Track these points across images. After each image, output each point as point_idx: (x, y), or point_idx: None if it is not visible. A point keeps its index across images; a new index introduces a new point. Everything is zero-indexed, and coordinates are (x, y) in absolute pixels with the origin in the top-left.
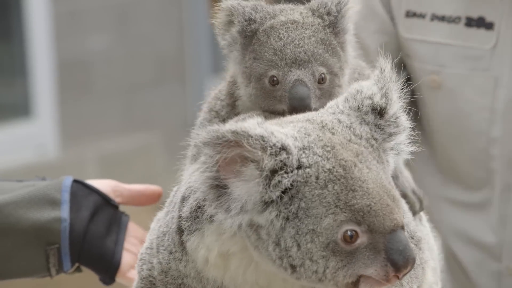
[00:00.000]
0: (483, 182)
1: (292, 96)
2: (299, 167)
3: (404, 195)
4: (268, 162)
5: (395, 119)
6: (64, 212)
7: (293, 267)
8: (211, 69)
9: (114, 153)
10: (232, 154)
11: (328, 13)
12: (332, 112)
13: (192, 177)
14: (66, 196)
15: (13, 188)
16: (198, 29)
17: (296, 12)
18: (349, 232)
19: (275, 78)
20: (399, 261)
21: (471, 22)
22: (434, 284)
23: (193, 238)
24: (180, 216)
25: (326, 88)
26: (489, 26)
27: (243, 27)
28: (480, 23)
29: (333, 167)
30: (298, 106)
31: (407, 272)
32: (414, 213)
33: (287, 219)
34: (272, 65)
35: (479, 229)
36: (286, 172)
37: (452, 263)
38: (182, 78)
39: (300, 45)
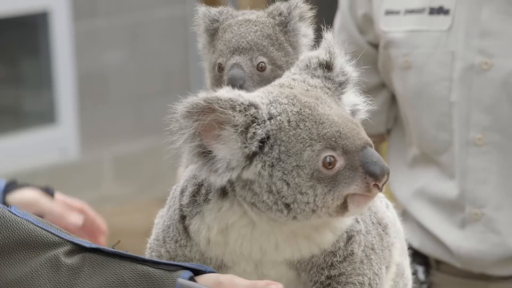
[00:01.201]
0: (447, 144)
1: (228, 77)
2: (270, 118)
3: None
4: (240, 118)
5: (341, 70)
6: None
7: (287, 206)
8: None
9: (127, 154)
10: (208, 119)
11: (280, 14)
12: (286, 76)
13: (187, 172)
14: None
15: None
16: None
17: (253, 14)
18: (328, 158)
19: (221, 65)
20: (376, 170)
21: (433, 11)
22: (404, 261)
23: (195, 221)
24: (181, 205)
25: (267, 77)
26: (446, 12)
27: (207, 25)
28: (439, 11)
29: (300, 109)
30: (233, 86)
31: (385, 181)
32: None
33: (272, 165)
34: (220, 54)
35: (444, 187)
36: (258, 124)
37: (413, 225)
38: (187, 89)
39: (245, 36)
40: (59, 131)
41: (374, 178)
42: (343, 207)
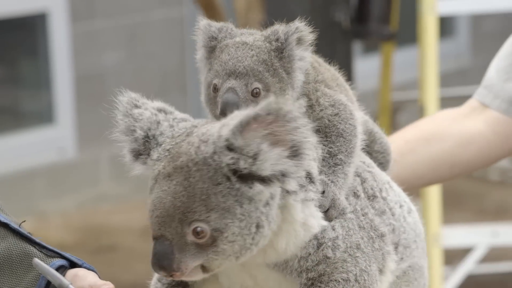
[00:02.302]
0: None
1: (222, 101)
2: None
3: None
4: None
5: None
6: None
7: None
8: None
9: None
10: None
11: (276, 40)
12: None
13: None
14: None
15: None
16: (196, 47)
17: (251, 36)
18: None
19: (216, 86)
20: (151, 263)
21: None
22: (424, 262)
23: None
24: None
25: (260, 102)
26: None
27: (205, 42)
28: None
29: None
30: (226, 110)
31: (170, 275)
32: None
33: None
34: (216, 75)
35: None
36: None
37: None
38: (183, 89)
39: (242, 61)
40: (57, 130)
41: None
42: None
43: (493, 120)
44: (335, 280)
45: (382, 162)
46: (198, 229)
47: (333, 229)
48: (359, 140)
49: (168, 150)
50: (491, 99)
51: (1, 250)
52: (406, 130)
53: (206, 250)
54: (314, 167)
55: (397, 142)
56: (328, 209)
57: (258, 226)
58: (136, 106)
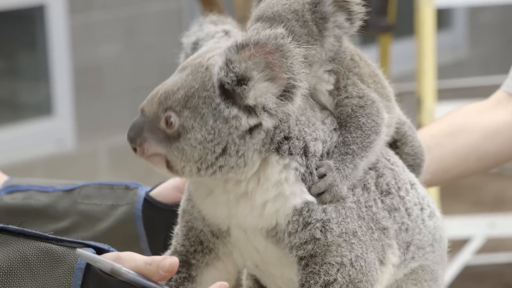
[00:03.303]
0: None
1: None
2: None
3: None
4: None
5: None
6: (143, 244)
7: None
8: None
9: (122, 145)
10: None
11: None
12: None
13: None
14: (141, 229)
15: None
16: None
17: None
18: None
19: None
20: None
21: None
22: (440, 270)
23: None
24: None
25: None
26: None
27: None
28: None
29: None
30: None
31: (134, 147)
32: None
33: None
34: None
35: None
36: None
37: None
38: None
39: (272, 7)
40: (56, 122)
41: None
42: None
43: None
44: (329, 263)
45: (412, 165)
46: (170, 119)
47: (324, 212)
48: (380, 139)
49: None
50: None
51: (11, 255)
52: (431, 125)
53: (171, 143)
54: (316, 145)
55: (422, 137)
56: (323, 192)
57: (224, 150)
58: (213, 23)
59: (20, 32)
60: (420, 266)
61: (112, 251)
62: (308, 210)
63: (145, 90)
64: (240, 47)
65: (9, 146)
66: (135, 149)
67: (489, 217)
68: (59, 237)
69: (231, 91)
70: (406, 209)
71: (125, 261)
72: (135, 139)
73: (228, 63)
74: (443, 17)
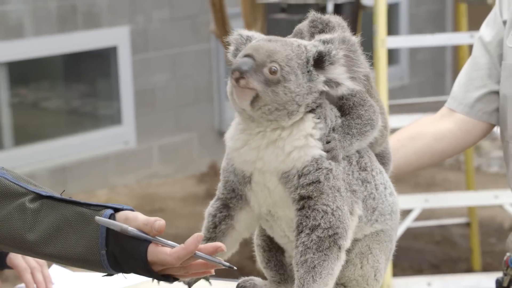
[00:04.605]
0: None
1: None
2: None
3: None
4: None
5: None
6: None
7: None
8: (226, 95)
9: (170, 145)
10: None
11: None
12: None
13: None
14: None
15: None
16: (220, 70)
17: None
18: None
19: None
20: (233, 67)
21: None
22: (394, 234)
23: (227, 134)
24: None
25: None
26: None
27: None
28: None
29: (252, 36)
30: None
31: (237, 78)
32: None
33: None
34: None
35: None
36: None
37: None
38: (210, 101)
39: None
40: (123, 129)
41: (231, 72)
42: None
43: (458, 120)
44: (317, 210)
45: (383, 162)
46: (274, 68)
47: (330, 164)
48: (373, 132)
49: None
50: (456, 105)
51: (58, 216)
52: (397, 132)
53: (268, 86)
54: (331, 119)
55: (391, 141)
56: (326, 152)
57: (299, 99)
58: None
59: (99, 65)
60: (382, 230)
61: (126, 209)
62: (320, 159)
63: (184, 106)
64: (330, 41)
65: (90, 146)
66: (239, 79)
67: (424, 195)
68: (87, 202)
69: (322, 64)
70: (375, 184)
71: (131, 221)
72: (245, 71)
73: (329, 47)
74: (392, 55)
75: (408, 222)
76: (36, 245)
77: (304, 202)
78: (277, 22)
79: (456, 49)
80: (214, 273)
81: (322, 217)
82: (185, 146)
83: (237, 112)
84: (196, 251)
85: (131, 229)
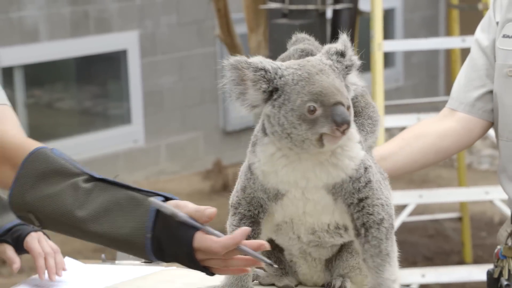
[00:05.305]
0: None
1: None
2: (281, 77)
3: None
4: (250, 75)
5: (350, 58)
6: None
7: (288, 135)
8: None
9: (177, 143)
10: (242, 74)
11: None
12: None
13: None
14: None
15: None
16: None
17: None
18: (311, 107)
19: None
20: (338, 119)
21: None
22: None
23: (252, 157)
24: (248, 151)
25: None
26: None
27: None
28: None
29: (301, 73)
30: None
31: (345, 129)
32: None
33: (280, 106)
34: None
35: None
36: (263, 81)
37: None
38: (215, 102)
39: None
40: (132, 128)
41: (337, 124)
42: (321, 142)
43: (460, 119)
44: (376, 205)
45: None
46: (348, 106)
47: (368, 160)
48: (378, 132)
49: (295, 67)
50: (457, 105)
51: (109, 197)
52: (402, 132)
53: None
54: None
55: (396, 140)
56: None
57: None
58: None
59: (110, 67)
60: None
61: (175, 199)
62: (364, 159)
63: (192, 106)
64: (346, 49)
65: (102, 144)
66: (345, 130)
67: (418, 191)
68: (139, 188)
69: (348, 73)
70: (381, 173)
71: (182, 207)
72: (350, 121)
73: (352, 58)
74: (388, 58)
75: (403, 216)
76: (83, 222)
77: (363, 203)
78: (279, 27)
79: (448, 52)
80: (250, 272)
81: (383, 210)
82: (191, 145)
83: (284, 145)
84: (241, 245)
85: (181, 214)
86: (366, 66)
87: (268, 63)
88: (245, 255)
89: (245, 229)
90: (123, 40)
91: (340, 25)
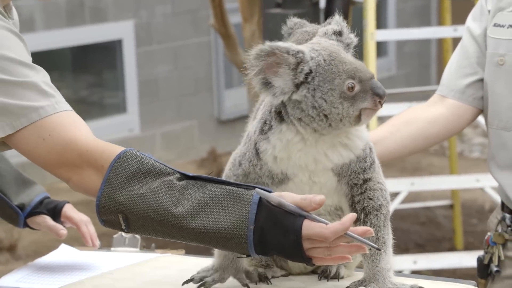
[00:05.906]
0: None
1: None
2: (311, 59)
3: None
4: (292, 60)
5: (347, 36)
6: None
7: (326, 116)
8: (225, 85)
9: (172, 132)
10: (270, 60)
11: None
12: (314, 39)
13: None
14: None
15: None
16: (219, 62)
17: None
18: (350, 84)
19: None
20: (380, 92)
21: None
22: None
23: (263, 145)
24: (254, 137)
25: None
26: None
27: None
28: None
29: (330, 53)
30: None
31: (384, 100)
32: None
33: (314, 89)
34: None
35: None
36: (304, 63)
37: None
38: (210, 91)
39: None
40: (128, 117)
41: (379, 97)
42: (358, 118)
43: (450, 105)
44: (376, 190)
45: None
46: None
47: (370, 142)
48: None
49: (318, 48)
50: (447, 92)
51: (206, 193)
52: (392, 118)
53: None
54: None
55: (386, 126)
56: None
57: None
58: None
59: (105, 57)
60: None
61: (271, 191)
62: (368, 140)
63: (186, 95)
64: (343, 29)
65: (98, 133)
66: (381, 101)
67: (410, 179)
68: (237, 182)
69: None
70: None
71: (286, 198)
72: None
73: (351, 37)
74: (380, 48)
75: (395, 204)
76: (182, 218)
77: (366, 185)
78: (273, 17)
79: (440, 42)
80: (351, 261)
81: (382, 195)
82: (186, 133)
83: (310, 128)
84: (348, 231)
85: (288, 204)
86: (359, 55)
87: (300, 46)
88: (348, 242)
89: (353, 215)
90: (119, 29)
91: (333, 15)
